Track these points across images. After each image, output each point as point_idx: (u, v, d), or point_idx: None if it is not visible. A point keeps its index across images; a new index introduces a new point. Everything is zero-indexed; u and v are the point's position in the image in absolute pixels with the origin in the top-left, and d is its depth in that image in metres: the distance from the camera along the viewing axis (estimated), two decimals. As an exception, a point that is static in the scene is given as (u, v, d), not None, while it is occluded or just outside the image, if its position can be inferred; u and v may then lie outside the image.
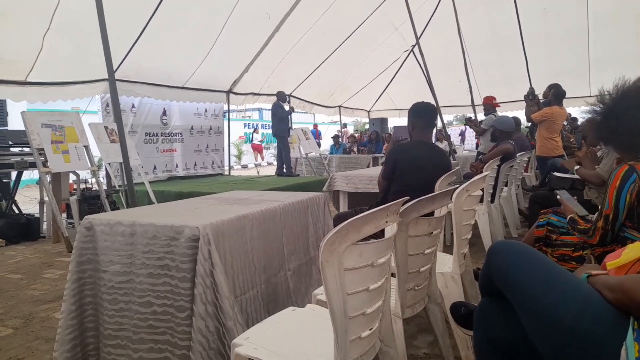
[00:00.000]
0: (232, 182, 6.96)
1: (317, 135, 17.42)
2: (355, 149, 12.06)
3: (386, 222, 1.31)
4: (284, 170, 7.88)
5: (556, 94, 5.45)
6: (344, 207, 4.13)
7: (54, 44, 5.09)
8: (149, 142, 7.29)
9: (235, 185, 6.15)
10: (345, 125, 15.73)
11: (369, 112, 13.11)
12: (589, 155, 3.63)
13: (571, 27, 8.38)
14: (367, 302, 1.25)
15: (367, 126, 15.62)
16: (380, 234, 1.51)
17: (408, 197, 1.46)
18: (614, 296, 0.97)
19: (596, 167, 3.10)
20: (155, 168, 7.36)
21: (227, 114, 9.08)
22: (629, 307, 0.93)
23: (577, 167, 3.29)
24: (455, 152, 8.83)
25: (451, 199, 1.94)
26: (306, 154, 8.95)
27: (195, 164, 8.19)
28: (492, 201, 3.94)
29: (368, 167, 8.81)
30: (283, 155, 7.93)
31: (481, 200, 3.60)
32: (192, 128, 8.09)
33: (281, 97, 7.85)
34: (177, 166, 7.80)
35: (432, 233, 1.69)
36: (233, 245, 1.86)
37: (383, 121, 13.54)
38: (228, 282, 1.76)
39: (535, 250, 1.15)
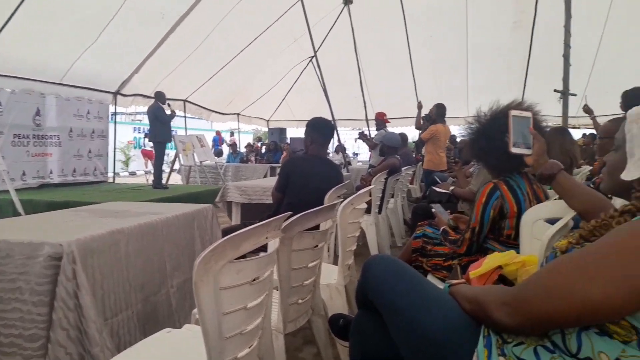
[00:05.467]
0: (115, 190, 6.41)
1: (220, 141, 17.00)
2: (252, 158, 11.97)
3: (266, 237, 1.29)
4: (152, 182, 6.99)
5: (438, 112, 6.01)
6: (236, 218, 4.04)
7: None
8: (18, 144, 6.46)
9: (119, 194, 5.70)
10: (232, 134, 15.56)
11: (268, 121, 13.12)
12: (463, 172, 4.03)
13: (453, 56, 9.22)
14: (244, 321, 1.21)
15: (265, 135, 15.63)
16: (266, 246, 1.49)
17: (291, 212, 1.46)
18: (470, 307, 1.05)
19: (470, 185, 3.43)
20: (24, 174, 6.52)
21: (114, 116, 8.44)
22: (481, 317, 1.02)
23: (452, 187, 3.62)
24: (350, 164, 9.19)
25: (336, 212, 1.99)
26: (201, 162, 8.64)
27: (74, 170, 7.43)
28: (380, 212, 4.15)
29: (265, 176, 8.78)
30: (155, 164, 7.08)
31: (369, 212, 3.78)
32: (71, 130, 7.34)
33: (161, 98, 6.97)
34: (51, 172, 6.99)
35: (316, 246, 1.71)
36: (104, 263, 1.71)
37: (282, 131, 13.65)
38: (97, 304, 1.60)
39: (405, 264, 1.21)
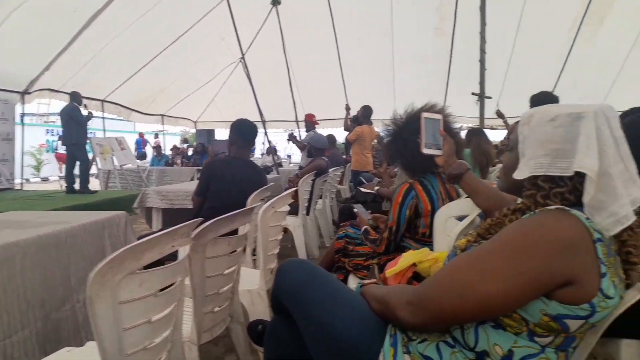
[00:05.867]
0: (22, 198, 5.84)
1: (143, 144, 16.19)
2: (179, 161, 11.52)
3: (173, 246, 1.22)
4: (79, 186, 6.35)
5: (364, 113, 6.16)
6: (157, 225, 3.84)
7: None
8: None
9: (26, 203, 5.21)
10: (157, 136, 14.97)
11: (195, 122, 12.70)
12: (387, 172, 4.14)
13: (380, 59, 9.46)
14: (149, 335, 1.14)
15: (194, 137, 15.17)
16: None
17: (202, 219, 1.40)
18: (378, 307, 1.06)
19: (393, 185, 3.54)
20: None
21: (22, 118, 7.75)
22: (388, 317, 1.03)
23: (377, 187, 3.71)
24: (281, 166, 9.15)
25: (256, 216, 1.95)
26: (121, 166, 8.16)
27: (-26, 177, 6.73)
28: (308, 213, 4.15)
29: (192, 180, 8.49)
30: (80, 167, 6.48)
31: (297, 214, 3.76)
32: (-29, 134, 6.64)
33: (77, 98, 6.42)
34: (-54, 179, 6.28)
35: (233, 252, 1.66)
36: (-5, 280, 1.53)
37: (210, 133, 13.27)
38: (-15, 326, 1.44)
39: (318, 268, 1.20)
